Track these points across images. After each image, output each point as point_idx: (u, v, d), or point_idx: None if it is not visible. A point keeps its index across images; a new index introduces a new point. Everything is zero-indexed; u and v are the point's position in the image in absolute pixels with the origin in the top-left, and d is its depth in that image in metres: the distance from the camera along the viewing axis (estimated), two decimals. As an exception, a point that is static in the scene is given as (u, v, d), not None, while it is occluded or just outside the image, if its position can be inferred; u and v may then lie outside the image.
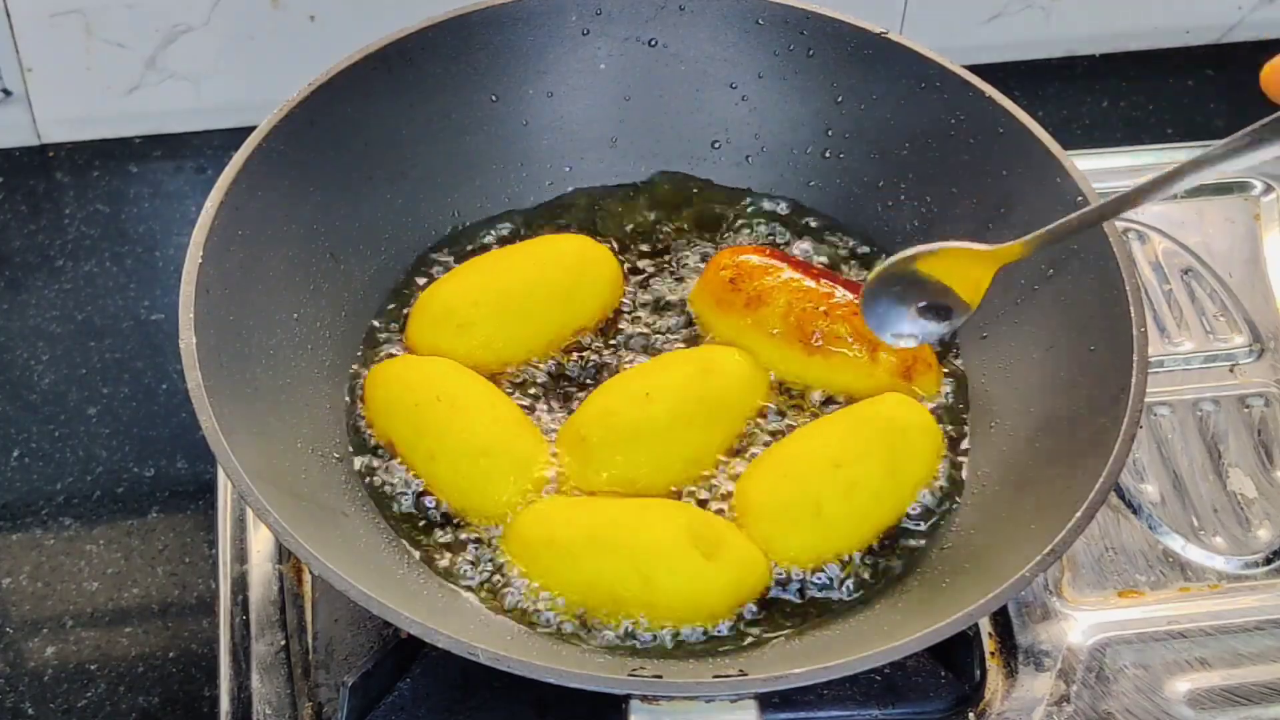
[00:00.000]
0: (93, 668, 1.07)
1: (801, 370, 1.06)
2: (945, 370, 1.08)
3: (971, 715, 0.98)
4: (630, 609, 0.94)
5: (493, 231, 1.14)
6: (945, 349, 1.09)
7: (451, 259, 1.12)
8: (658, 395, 1.02)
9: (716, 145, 1.18)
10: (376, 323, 1.09)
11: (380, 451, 1.02)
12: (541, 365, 1.07)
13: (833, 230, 1.15)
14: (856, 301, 1.04)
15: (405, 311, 1.09)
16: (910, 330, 1.01)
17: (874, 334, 1.01)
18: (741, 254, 1.10)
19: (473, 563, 0.97)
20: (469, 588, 0.96)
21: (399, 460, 1.01)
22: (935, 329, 1.01)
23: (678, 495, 1.00)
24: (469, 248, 1.13)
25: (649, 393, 1.02)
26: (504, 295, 1.07)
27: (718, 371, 1.04)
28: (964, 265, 0.99)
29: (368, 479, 1.01)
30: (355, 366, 1.06)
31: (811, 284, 1.07)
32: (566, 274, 1.09)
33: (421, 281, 1.11)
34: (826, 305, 1.06)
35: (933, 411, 1.05)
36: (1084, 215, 0.95)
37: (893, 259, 0.99)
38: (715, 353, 1.06)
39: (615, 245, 1.14)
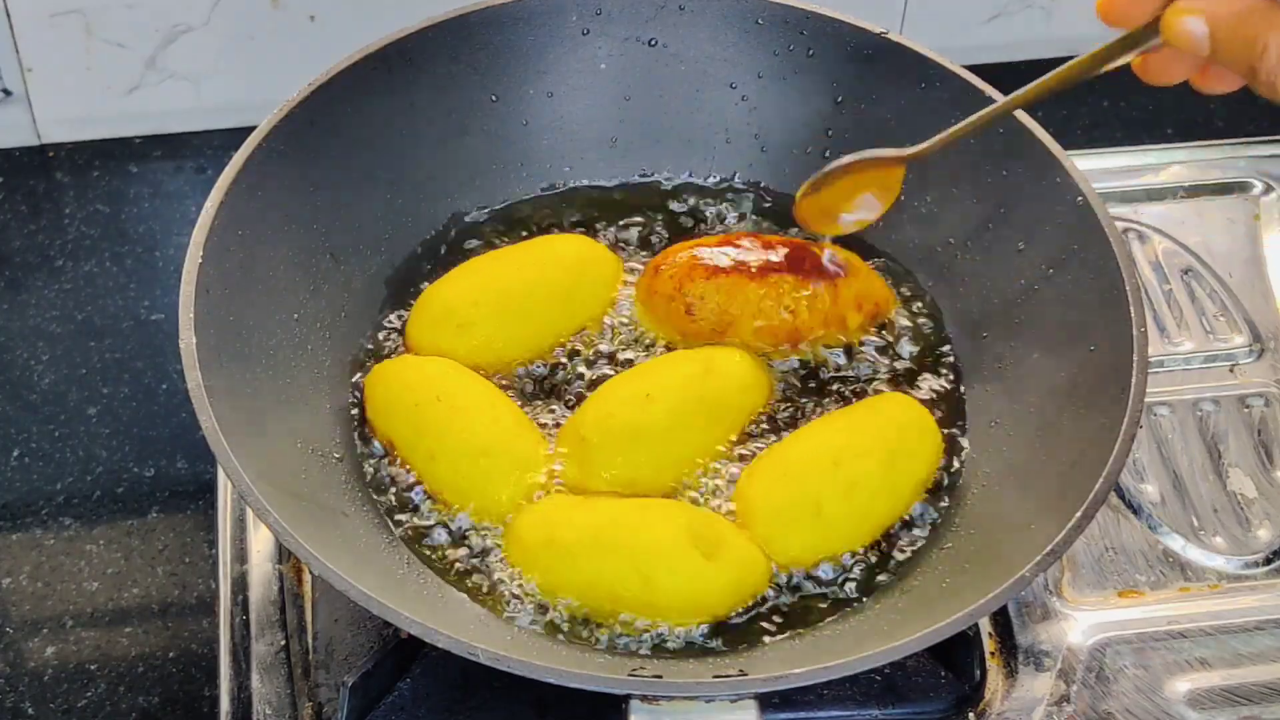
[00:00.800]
0: (93, 668, 1.07)
1: (785, 352, 1.08)
2: (943, 371, 1.08)
3: (971, 715, 0.98)
4: (631, 609, 0.94)
5: (493, 232, 1.14)
6: (943, 348, 1.10)
7: (451, 259, 1.12)
8: (658, 396, 1.02)
9: (716, 145, 1.18)
10: (376, 323, 1.09)
11: (381, 451, 1.02)
12: (542, 365, 1.07)
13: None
14: (813, 274, 1.07)
15: (405, 311, 1.09)
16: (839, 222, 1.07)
17: (807, 228, 1.07)
18: (676, 271, 1.07)
19: (473, 562, 0.97)
20: (469, 588, 0.96)
21: (399, 460, 1.01)
22: (860, 216, 1.07)
23: (678, 495, 1.01)
24: (469, 248, 1.13)
25: (649, 393, 1.02)
26: (504, 295, 1.07)
27: (719, 372, 1.04)
28: (879, 169, 1.03)
29: (368, 479, 1.01)
30: (355, 366, 1.06)
31: (764, 281, 1.06)
32: (566, 274, 1.09)
33: (421, 282, 1.11)
34: (789, 302, 1.06)
35: (932, 411, 1.05)
36: (980, 117, 0.99)
37: (820, 171, 1.04)
38: (716, 353, 1.06)
39: (615, 245, 1.14)
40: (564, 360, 1.07)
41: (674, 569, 0.94)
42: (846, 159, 1.03)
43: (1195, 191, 1.29)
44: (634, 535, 0.95)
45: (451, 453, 1.00)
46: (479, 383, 1.04)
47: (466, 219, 1.15)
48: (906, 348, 1.09)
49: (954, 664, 0.98)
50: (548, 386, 1.06)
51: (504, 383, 1.05)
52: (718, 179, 1.18)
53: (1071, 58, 1.50)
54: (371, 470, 1.02)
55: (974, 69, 1.10)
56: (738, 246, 1.09)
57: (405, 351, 1.07)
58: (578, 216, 1.16)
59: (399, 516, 1.00)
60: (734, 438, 1.03)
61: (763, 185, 1.18)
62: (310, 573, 1.02)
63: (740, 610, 0.96)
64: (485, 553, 0.98)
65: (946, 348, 1.10)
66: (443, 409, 1.01)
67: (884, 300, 1.10)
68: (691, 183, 1.18)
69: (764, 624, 0.96)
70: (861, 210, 1.06)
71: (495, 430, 1.01)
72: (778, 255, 1.08)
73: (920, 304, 1.12)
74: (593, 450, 1.00)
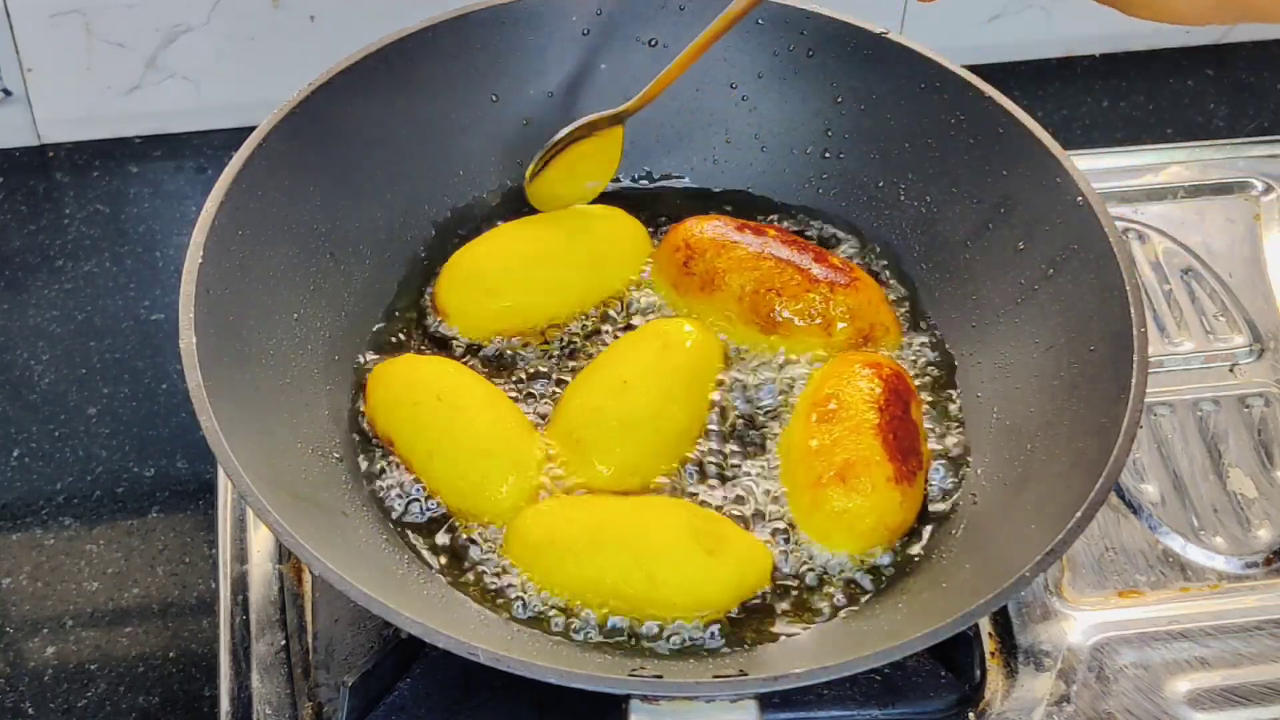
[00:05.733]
0: (93, 668, 1.07)
1: (761, 344, 1.08)
2: (943, 371, 1.09)
3: (971, 715, 0.98)
4: (634, 606, 0.94)
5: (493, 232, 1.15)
6: (943, 348, 1.10)
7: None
8: (635, 381, 1.02)
9: (717, 145, 1.18)
10: (376, 322, 1.09)
11: (381, 451, 1.02)
12: (555, 350, 1.07)
13: (830, 230, 1.15)
14: (816, 272, 1.08)
15: (404, 312, 1.09)
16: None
17: (543, 208, 1.12)
18: (695, 228, 1.11)
19: (473, 562, 0.97)
20: (469, 588, 0.96)
21: (399, 459, 1.01)
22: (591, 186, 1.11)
23: (677, 491, 1.01)
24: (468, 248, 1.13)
25: (626, 380, 1.02)
26: (533, 261, 1.09)
27: (677, 345, 1.05)
28: (598, 135, 1.08)
29: (368, 479, 1.01)
30: (355, 366, 1.06)
31: (767, 259, 1.08)
32: (597, 243, 1.11)
33: (421, 282, 1.11)
34: (780, 284, 1.07)
35: (932, 410, 1.05)
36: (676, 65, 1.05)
37: (543, 149, 1.09)
38: (668, 326, 1.07)
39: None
40: (580, 342, 1.08)
41: (677, 565, 0.94)
42: (565, 130, 1.08)
43: (1195, 191, 1.29)
44: (636, 532, 0.96)
45: (450, 452, 1.00)
46: (480, 383, 1.04)
47: (466, 219, 1.15)
48: (906, 348, 1.09)
49: (954, 664, 0.98)
50: (560, 373, 1.06)
51: (518, 373, 1.06)
52: (718, 179, 1.18)
53: (1072, 58, 1.50)
54: (371, 470, 1.02)
55: (974, 69, 1.11)
56: (756, 229, 1.11)
57: (434, 316, 1.08)
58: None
59: (399, 516, 1.00)
60: (710, 402, 1.04)
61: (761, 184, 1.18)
62: (310, 573, 1.02)
63: (741, 608, 0.96)
64: (485, 552, 0.98)
65: (946, 348, 1.10)
66: (443, 408, 1.01)
67: (880, 326, 1.09)
68: (691, 182, 1.18)
69: (764, 623, 0.96)
70: (590, 181, 1.11)
71: (495, 430, 1.01)
72: (788, 244, 1.10)
73: (919, 304, 1.12)
74: (591, 449, 1.00)
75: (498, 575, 0.97)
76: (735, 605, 0.96)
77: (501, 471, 0.99)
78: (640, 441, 1.01)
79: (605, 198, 1.16)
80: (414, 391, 1.02)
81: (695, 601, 0.94)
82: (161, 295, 1.28)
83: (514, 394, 1.05)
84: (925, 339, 1.10)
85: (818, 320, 1.07)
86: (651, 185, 1.18)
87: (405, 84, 1.11)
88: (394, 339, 1.08)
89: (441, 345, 1.08)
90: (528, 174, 1.10)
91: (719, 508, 1.00)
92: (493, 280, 1.08)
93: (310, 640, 0.99)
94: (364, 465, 1.02)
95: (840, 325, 1.07)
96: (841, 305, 1.07)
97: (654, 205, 1.17)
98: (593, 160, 1.10)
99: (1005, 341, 1.07)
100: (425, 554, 0.98)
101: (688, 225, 1.11)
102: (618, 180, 1.17)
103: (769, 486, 1.01)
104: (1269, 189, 1.28)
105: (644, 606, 0.94)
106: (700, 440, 1.03)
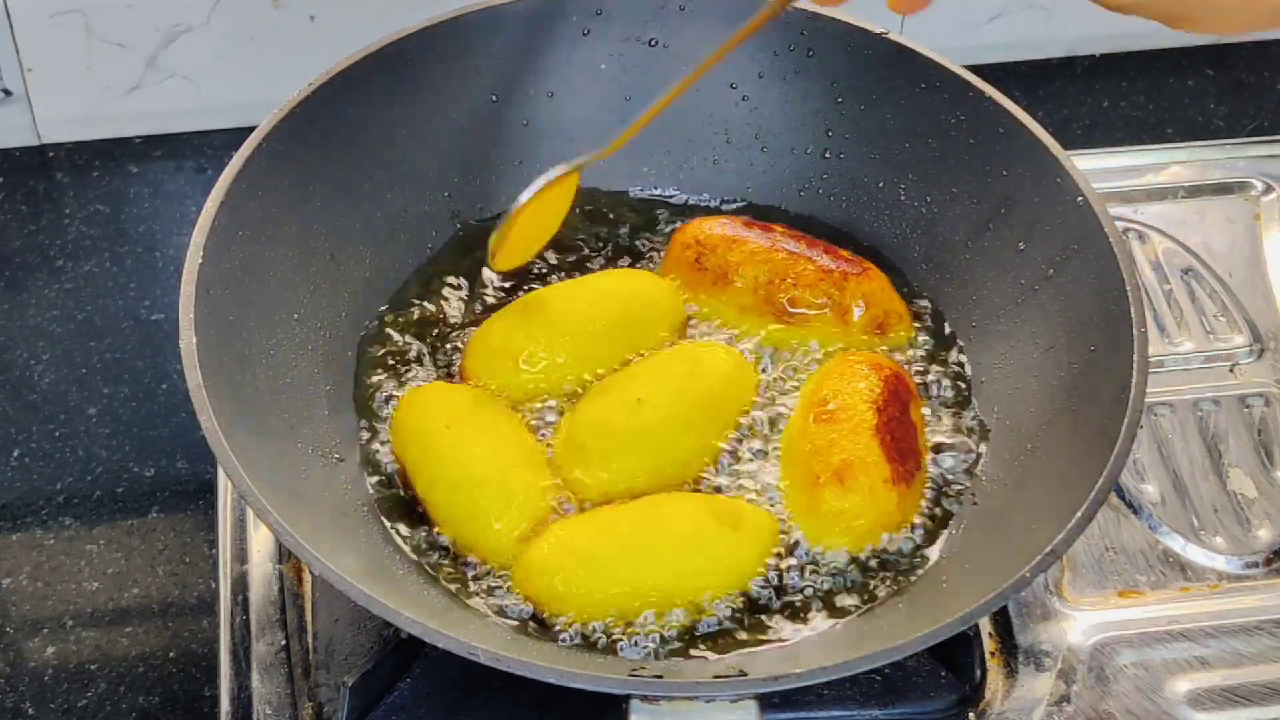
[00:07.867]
0: (93, 668, 1.07)
1: (778, 337, 1.08)
2: (942, 370, 1.09)
3: (971, 715, 0.98)
4: (674, 596, 0.94)
5: (493, 232, 1.14)
6: (944, 346, 1.10)
7: (452, 259, 1.12)
8: (649, 400, 1.01)
9: (717, 145, 1.18)
10: (376, 323, 1.09)
11: (380, 450, 1.02)
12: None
13: (831, 230, 1.15)
14: (828, 263, 1.08)
15: (406, 311, 1.09)
16: None
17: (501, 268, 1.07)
18: (705, 226, 1.11)
19: (474, 563, 0.97)
20: (469, 588, 0.96)
21: (410, 483, 1.00)
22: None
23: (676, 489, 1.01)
24: (469, 247, 1.13)
25: (640, 397, 1.02)
26: (563, 335, 1.05)
27: (707, 373, 1.04)
28: (557, 185, 1.05)
29: (368, 479, 1.01)
30: (355, 367, 1.06)
31: (779, 252, 1.09)
32: (626, 310, 1.08)
33: (421, 281, 1.11)
34: (794, 274, 1.08)
35: (933, 410, 1.05)
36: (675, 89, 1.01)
37: (507, 215, 1.04)
38: (703, 351, 1.06)
39: (615, 246, 1.14)
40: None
41: (707, 547, 0.95)
42: (528, 191, 1.03)
43: (1195, 191, 1.29)
44: (661, 528, 0.96)
45: (448, 480, 0.99)
46: (496, 414, 1.02)
47: (466, 219, 1.15)
48: (906, 348, 1.09)
49: (954, 664, 0.98)
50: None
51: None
52: (718, 179, 1.18)
53: (1072, 58, 1.50)
54: (372, 470, 1.02)
55: (974, 69, 1.11)
56: (763, 226, 1.11)
57: (430, 369, 1.07)
58: (579, 218, 1.16)
59: (399, 516, 0.99)
60: (726, 434, 1.03)
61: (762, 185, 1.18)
62: (310, 573, 1.02)
63: (742, 607, 0.96)
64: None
65: (946, 348, 1.10)
66: (450, 436, 1.00)
67: (894, 314, 1.09)
68: (691, 182, 1.18)
69: (764, 623, 0.96)
70: (547, 226, 1.08)
71: (495, 463, 0.99)
72: (796, 238, 1.10)
73: (921, 304, 1.12)
74: (591, 456, 1.00)
75: (498, 575, 0.97)
76: (758, 570, 0.96)
77: (498, 504, 0.97)
78: (642, 459, 1.00)
79: (607, 203, 1.16)
80: (429, 418, 1.01)
81: (729, 576, 0.96)
82: (161, 295, 1.28)
83: (538, 423, 1.04)
84: (925, 339, 1.10)
85: (834, 307, 1.07)
86: (650, 183, 1.18)
87: (405, 84, 1.11)
88: (394, 339, 1.08)
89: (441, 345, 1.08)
90: (491, 245, 1.05)
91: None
92: (522, 352, 1.04)
93: (310, 640, 0.99)
94: (364, 465, 1.02)
95: (857, 312, 1.07)
96: (856, 293, 1.07)
97: (654, 206, 1.17)
98: (548, 208, 1.06)
99: (1005, 341, 1.07)
100: (425, 554, 0.98)
101: (697, 223, 1.11)
102: (615, 178, 1.18)
103: (768, 485, 1.01)
104: (1269, 189, 1.28)
105: (685, 594, 0.94)
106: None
